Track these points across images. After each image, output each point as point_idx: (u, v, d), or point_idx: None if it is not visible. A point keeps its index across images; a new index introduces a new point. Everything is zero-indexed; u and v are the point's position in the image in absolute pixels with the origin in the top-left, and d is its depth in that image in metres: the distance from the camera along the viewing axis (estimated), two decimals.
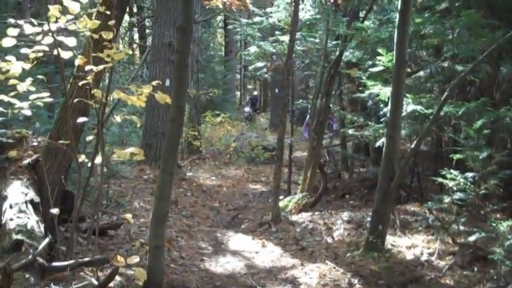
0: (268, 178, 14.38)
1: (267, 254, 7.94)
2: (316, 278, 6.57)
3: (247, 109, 26.25)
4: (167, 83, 12.57)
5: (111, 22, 4.93)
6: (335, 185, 11.95)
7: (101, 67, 4.91)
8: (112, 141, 12.09)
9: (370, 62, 9.51)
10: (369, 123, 9.42)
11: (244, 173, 15.52)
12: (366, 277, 6.34)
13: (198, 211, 10.73)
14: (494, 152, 6.66)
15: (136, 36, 28.39)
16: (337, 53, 10.53)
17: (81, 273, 5.35)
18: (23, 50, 4.86)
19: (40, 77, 5.99)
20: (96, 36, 4.96)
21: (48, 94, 5.10)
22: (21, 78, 4.87)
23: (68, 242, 5.52)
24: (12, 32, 4.62)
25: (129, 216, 5.31)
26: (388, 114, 7.17)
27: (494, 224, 6.08)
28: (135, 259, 4.69)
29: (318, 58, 12.27)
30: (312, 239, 8.30)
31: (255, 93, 29.39)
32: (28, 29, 4.73)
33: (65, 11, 4.85)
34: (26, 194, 5.70)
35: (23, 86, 4.85)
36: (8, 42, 4.62)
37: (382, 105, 8.86)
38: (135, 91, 5.01)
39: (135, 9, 25.74)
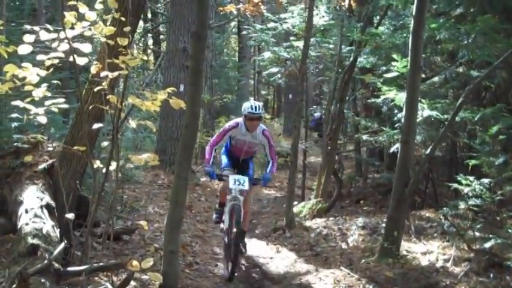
0: (282, 184, 14.39)
1: (281, 259, 7.92)
2: (330, 284, 6.55)
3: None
4: (181, 88, 12.60)
5: (127, 28, 4.96)
6: (349, 190, 11.92)
7: (116, 73, 4.93)
8: (126, 146, 12.12)
9: (384, 68, 9.50)
10: (384, 128, 9.39)
11: None
12: (381, 283, 6.32)
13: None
14: (510, 158, 6.62)
15: (150, 42, 28.49)
16: (351, 58, 10.52)
17: (96, 277, 5.38)
18: (39, 57, 4.88)
19: (55, 81, 6.03)
20: (111, 42, 4.99)
21: (63, 100, 5.13)
22: (37, 84, 4.90)
23: (83, 246, 5.54)
24: (28, 38, 4.65)
25: (143, 223, 5.32)
26: (403, 120, 7.14)
27: (510, 230, 6.05)
28: (150, 264, 4.70)
29: (332, 64, 12.27)
30: (327, 245, 8.28)
31: (317, 113, 19.27)
32: (44, 36, 4.76)
33: (80, 17, 4.88)
34: (41, 199, 5.74)
35: (38, 92, 4.87)
36: (24, 49, 4.64)
37: (396, 111, 8.83)
38: (150, 97, 5.03)
39: (149, 15, 25.85)
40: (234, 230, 7.15)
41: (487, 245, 6.19)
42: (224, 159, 8.05)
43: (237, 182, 7.32)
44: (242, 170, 7.91)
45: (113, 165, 5.10)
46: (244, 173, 7.72)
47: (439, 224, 7.92)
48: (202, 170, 15.38)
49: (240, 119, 7.75)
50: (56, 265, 4.69)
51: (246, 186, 7.36)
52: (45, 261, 4.55)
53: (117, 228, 7.12)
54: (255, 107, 7.49)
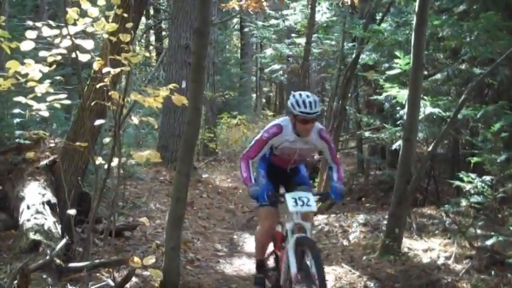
0: None
1: None
2: (332, 281, 6.54)
3: None
4: (183, 84, 12.58)
5: (129, 25, 4.95)
6: (351, 187, 11.90)
7: (118, 69, 4.93)
8: (128, 142, 12.13)
9: (386, 65, 9.49)
10: (386, 125, 9.38)
11: None
12: (382, 280, 6.32)
13: (214, 213, 10.74)
14: None
15: (152, 38, 28.50)
16: (354, 55, 10.51)
17: (98, 274, 5.39)
18: (41, 53, 4.89)
19: (58, 78, 6.03)
20: (113, 38, 4.99)
21: (65, 96, 5.14)
22: (39, 80, 4.90)
23: (84, 243, 5.55)
24: (31, 34, 4.65)
25: (145, 219, 5.32)
26: (405, 117, 7.13)
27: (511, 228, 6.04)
28: (151, 260, 4.71)
29: (334, 60, 12.28)
30: (328, 242, 8.27)
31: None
32: (46, 32, 4.76)
33: (82, 13, 4.88)
34: (43, 195, 5.75)
35: (41, 88, 4.88)
36: (27, 45, 4.65)
37: (398, 108, 8.82)
38: (152, 93, 5.03)
39: (151, 12, 25.85)
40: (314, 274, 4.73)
41: (489, 242, 6.18)
42: (261, 176, 5.62)
43: (299, 202, 5.07)
44: (291, 180, 5.77)
45: (115, 162, 5.11)
46: (296, 182, 5.70)
47: (441, 221, 7.92)
48: (204, 166, 15.41)
49: (283, 120, 5.46)
50: (58, 261, 4.70)
51: (313, 206, 5.14)
52: (47, 257, 4.56)
53: (119, 225, 7.13)
54: (310, 103, 5.04)
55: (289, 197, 5.10)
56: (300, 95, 5.12)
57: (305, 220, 5.13)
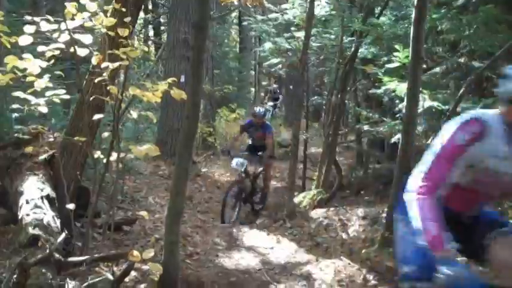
0: (282, 174, 14.37)
1: (281, 249, 7.93)
2: (331, 274, 6.56)
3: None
4: (182, 79, 12.59)
5: (127, 19, 4.95)
6: (350, 181, 11.91)
7: (116, 64, 4.93)
8: (127, 137, 12.13)
9: (385, 58, 9.47)
10: (385, 119, 9.37)
11: None
12: (382, 273, 6.33)
13: (213, 207, 10.75)
14: None
15: (151, 32, 28.46)
16: (353, 49, 10.49)
17: (97, 268, 5.39)
18: (40, 48, 4.88)
19: (58, 72, 6.03)
20: (112, 33, 4.98)
21: (64, 91, 5.13)
22: (39, 75, 4.90)
23: (83, 237, 5.56)
24: (29, 29, 4.64)
25: (144, 213, 5.33)
26: (404, 110, 7.13)
27: (511, 221, 6.04)
28: (150, 254, 4.71)
29: (333, 54, 12.23)
30: (327, 235, 8.28)
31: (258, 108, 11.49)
32: (44, 26, 4.75)
33: (81, 8, 4.87)
34: (42, 190, 5.75)
35: (40, 83, 4.87)
36: (25, 40, 4.64)
37: (397, 101, 8.81)
38: (151, 87, 5.03)
39: (150, 6, 25.80)
40: None
41: None
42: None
43: None
44: (477, 244, 3.26)
45: (114, 156, 5.11)
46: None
47: None
48: (202, 161, 15.39)
49: (485, 115, 3.23)
50: (57, 255, 4.70)
51: None
52: (46, 252, 4.56)
53: (118, 219, 7.14)
54: None
55: None
56: None
57: None
